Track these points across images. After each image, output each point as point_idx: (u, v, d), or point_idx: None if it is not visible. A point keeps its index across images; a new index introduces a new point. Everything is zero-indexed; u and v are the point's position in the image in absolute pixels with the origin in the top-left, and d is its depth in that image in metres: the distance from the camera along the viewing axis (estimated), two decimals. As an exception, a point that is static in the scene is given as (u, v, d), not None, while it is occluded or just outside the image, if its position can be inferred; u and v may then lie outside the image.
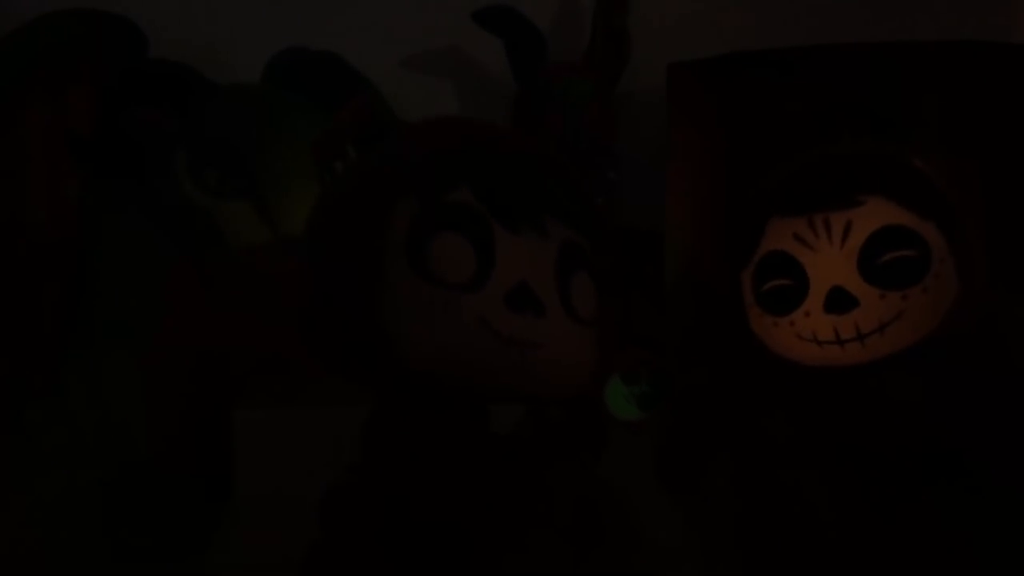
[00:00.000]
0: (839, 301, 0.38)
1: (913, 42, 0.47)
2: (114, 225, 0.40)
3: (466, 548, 0.33)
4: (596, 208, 0.39)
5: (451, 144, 0.34)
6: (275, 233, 0.47)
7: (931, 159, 0.40)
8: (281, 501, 0.38)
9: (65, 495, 0.36)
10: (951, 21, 0.56)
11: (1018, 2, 0.61)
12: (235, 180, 0.48)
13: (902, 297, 0.37)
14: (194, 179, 0.47)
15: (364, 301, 0.32)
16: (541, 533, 0.35)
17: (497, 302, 0.32)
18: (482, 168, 0.33)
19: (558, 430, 0.38)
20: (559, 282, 0.34)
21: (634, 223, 0.54)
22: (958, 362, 0.39)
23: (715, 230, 0.45)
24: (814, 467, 0.39)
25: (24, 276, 0.38)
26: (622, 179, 0.57)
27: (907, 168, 0.40)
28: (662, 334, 0.49)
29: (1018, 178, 0.45)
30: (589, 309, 0.35)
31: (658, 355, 0.51)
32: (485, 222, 0.32)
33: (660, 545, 0.39)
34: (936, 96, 0.44)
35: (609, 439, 0.41)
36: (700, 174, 0.48)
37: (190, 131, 0.48)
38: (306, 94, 0.50)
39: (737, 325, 0.43)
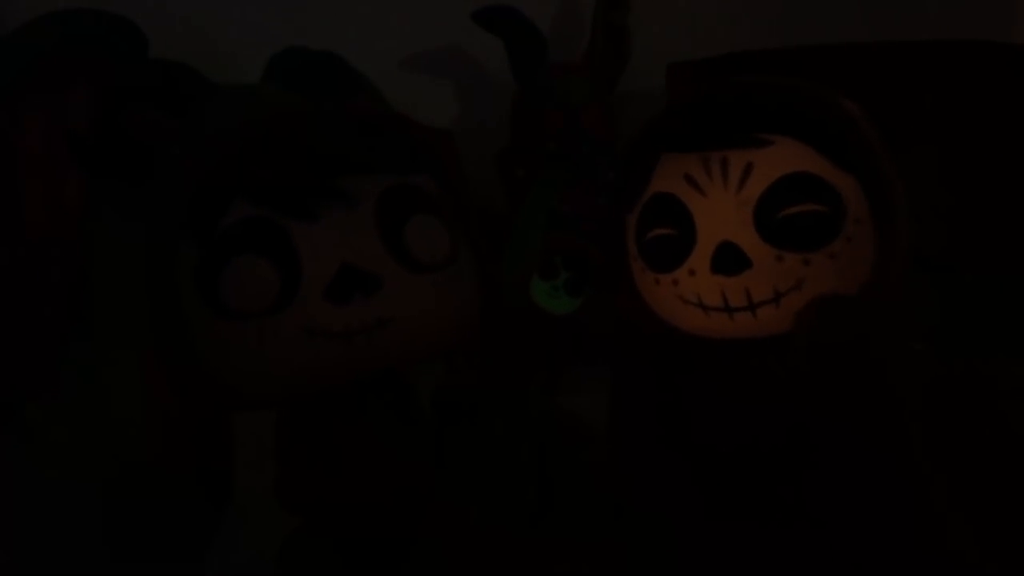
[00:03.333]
0: (728, 259, 0.31)
1: (910, 42, 0.47)
2: (113, 225, 0.40)
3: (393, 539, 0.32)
4: (424, 132, 0.34)
5: (212, 166, 0.30)
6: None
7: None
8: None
9: (65, 495, 0.36)
10: (951, 21, 0.56)
11: (1019, 1, 0.61)
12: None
13: (803, 261, 0.30)
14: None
15: (181, 354, 0.29)
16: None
17: (318, 303, 0.28)
18: (252, 171, 0.29)
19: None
20: (389, 240, 0.30)
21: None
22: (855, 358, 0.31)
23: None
24: (684, 465, 0.33)
25: (24, 276, 0.38)
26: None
27: (831, 108, 0.32)
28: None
29: (1018, 177, 0.45)
30: (438, 249, 0.31)
31: (567, 238, 0.49)
32: (273, 227, 0.28)
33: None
34: (935, 95, 0.45)
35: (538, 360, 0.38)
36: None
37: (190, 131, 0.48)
38: (306, 94, 0.50)
39: (620, 282, 0.36)
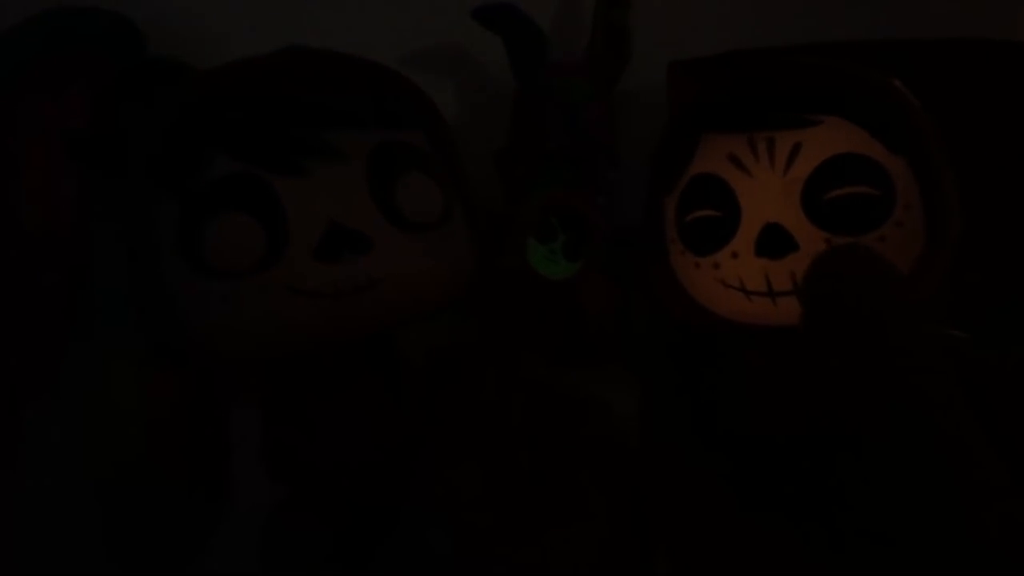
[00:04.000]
0: (774, 242, 0.30)
1: (915, 40, 0.47)
2: (112, 224, 0.40)
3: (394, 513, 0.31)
4: (414, 91, 0.32)
5: (189, 116, 0.28)
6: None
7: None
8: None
9: (65, 495, 0.36)
10: (953, 19, 0.56)
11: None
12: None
13: None
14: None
15: (158, 319, 0.28)
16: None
17: (306, 262, 0.28)
18: (232, 124, 0.28)
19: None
20: (380, 198, 0.29)
21: (634, 224, 0.54)
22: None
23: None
24: (723, 458, 0.32)
25: (22, 276, 0.37)
26: (622, 179, 0.57)
27: (881, 88, 0.32)
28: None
29: (1019, 177, 0.45)
30: (430, 208, 0.30)
31: (565, 197, 0.47)
32: (258, 183, 0.27)
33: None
34: (938, 94, 0.44)
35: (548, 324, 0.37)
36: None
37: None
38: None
39: (657, 267, 0.35)
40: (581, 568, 0.32)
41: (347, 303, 0.28)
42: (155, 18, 0.46)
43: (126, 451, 0.37)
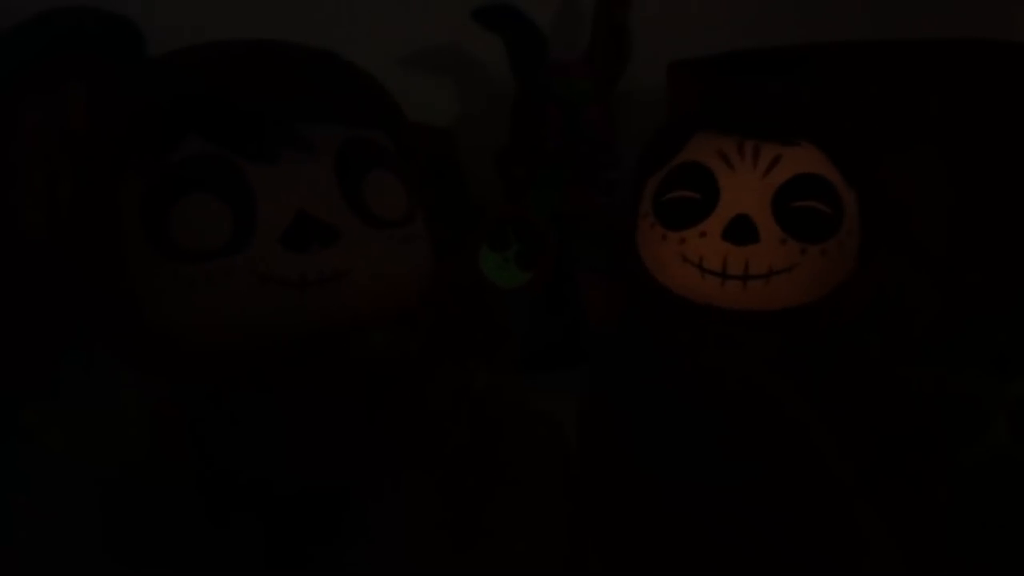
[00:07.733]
0: (741, 230, 0.35)
1: (915, 40, 0.47)
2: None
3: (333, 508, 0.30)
4: (381, 93, 0.33)
5: (166, 92, 0.29)
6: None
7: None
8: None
9: (64, 496, 0.36)
10: (953, 19, 0.56)
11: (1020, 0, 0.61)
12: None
13: (801, 250, 0.35)
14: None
15: (113, 304, 0.28)
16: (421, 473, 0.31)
17: (273, 248, 0.28)
18: (208, 106, 0.28)
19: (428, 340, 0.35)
20: (348, 192, 0.29)
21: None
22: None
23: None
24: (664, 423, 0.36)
25: (21, 276, 0.37)
26: (622, 179, 0.57)
27: (851, 133, 0.38)
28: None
29: (1019, 176, 0.45)
30: (396, 208, 0.31)
31: (519, 208, 0.50)
32: (229, 167, 0.27)
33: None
34: (938, 94, 0.44)
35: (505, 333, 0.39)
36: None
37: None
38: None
39: (624, 240, 0.40)
40: None
41: (313, 294, 0.28)
42: (155, 18, 0.46)
43: (127, 451, 0.37)
